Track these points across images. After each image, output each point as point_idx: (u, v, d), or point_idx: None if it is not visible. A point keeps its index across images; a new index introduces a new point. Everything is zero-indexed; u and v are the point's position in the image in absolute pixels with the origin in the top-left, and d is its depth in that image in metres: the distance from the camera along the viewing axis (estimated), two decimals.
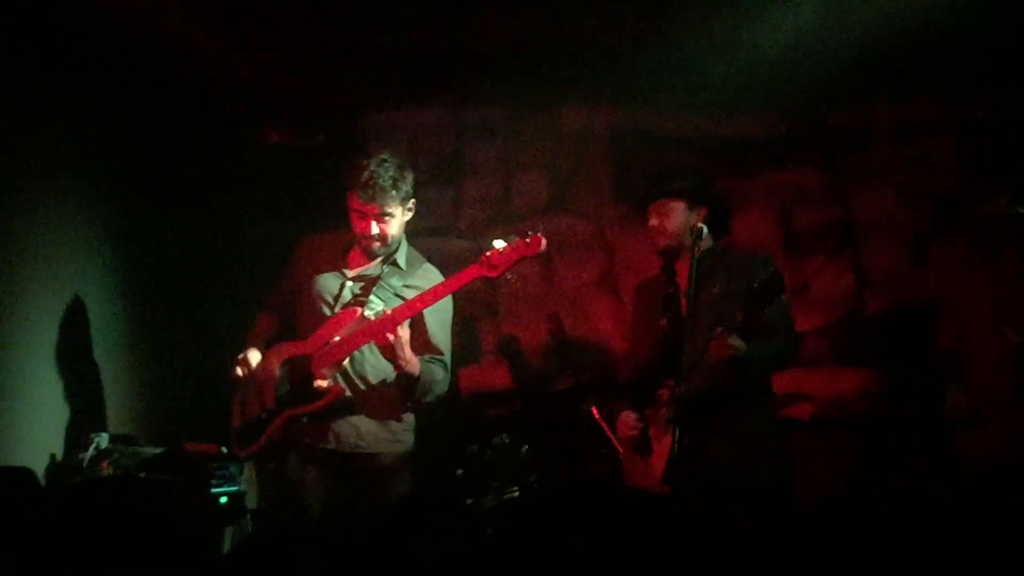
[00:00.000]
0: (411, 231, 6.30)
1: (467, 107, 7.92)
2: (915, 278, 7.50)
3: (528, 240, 5.76)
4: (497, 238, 5.89)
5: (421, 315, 5.93)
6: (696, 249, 5.60)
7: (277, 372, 5.98)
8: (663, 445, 5.60)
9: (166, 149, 7.43)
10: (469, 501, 6.33)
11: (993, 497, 5.92)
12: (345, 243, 6.07)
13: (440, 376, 5.99)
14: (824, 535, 3.28)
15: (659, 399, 5.75)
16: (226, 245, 6.89)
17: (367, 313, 5.89)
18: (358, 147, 7.47)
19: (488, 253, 5.78)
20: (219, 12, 6.84)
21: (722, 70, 7.34)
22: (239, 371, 6.07)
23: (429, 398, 5.97)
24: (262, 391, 5.98)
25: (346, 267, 6.08)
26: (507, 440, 6.60)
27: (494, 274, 5.81)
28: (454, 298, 6.10)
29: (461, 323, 7.03)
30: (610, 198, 7.80)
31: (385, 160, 5.94)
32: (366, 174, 5.87)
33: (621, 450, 6.14)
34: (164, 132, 7.40)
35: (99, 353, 6.92)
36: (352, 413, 5.95)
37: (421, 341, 5.95)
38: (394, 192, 5.90)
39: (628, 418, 5.82)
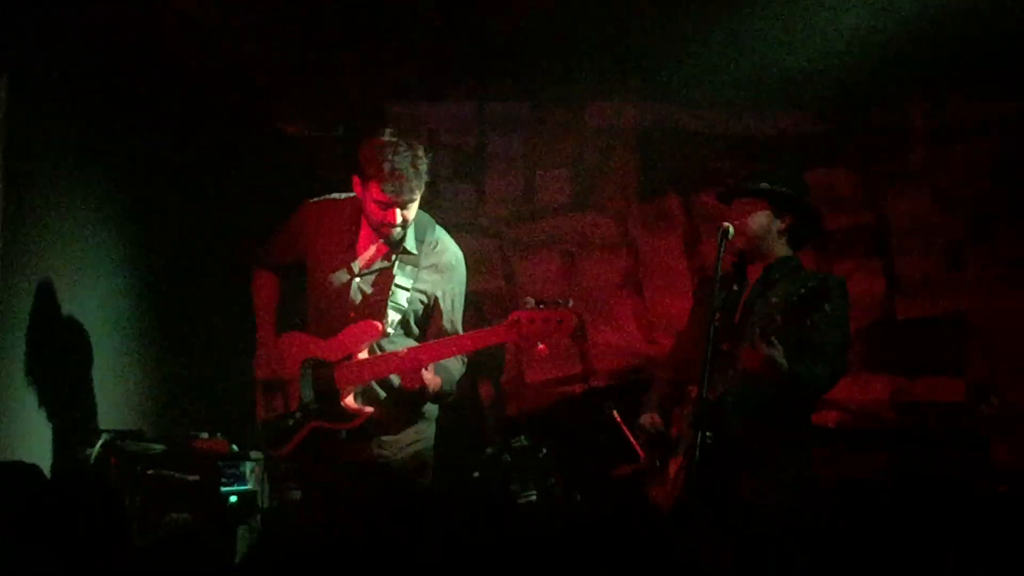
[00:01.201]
0: None
1: (490, 101, 7.89)
2: (950, 285, 7.47)
3: (560, 320, 5.53)
4: (523, 301, 5.63)
5: (437, 301, 5.87)
6: (721, 251, 5.46)
7: (299, 372, 5.86)
8: (684, 448, 5.43)
9: (182, 145, 7.33)
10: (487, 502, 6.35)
11: None
12: (351, 215, 5.89)
13: (458, 370, 5.87)
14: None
15: (688, 397, 5.54)
16: (236, 242, 6.62)
17: (389, 330, 5.76)
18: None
19: (517, 317, 5.53)
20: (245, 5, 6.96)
21: (755, 66, 7.32)
22: (262, 369, 5.96)
23: (451, 396, 5.91)
24: (287, 392, 5.87)
25: (354, 257, 5.88)
26: (526, 442, 6.59)
27: (524, 345, 5.70)
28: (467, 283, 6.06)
29: None
30: (636, 196, 7.76)
31: (404, 149, 5.69)
32: (388, 166, 5.64)
33: (642, 454, 5.87)
34: (181, 127, 7.31)
35: (106, 348, 6.80)
36: (379, 429, 5.82)
37: (436, 327, 5.86)
38: (418, 181, 5.70)
39: (646, 419, 5.65)
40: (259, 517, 6.30)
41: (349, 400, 5.68)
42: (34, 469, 3.93)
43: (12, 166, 6.07)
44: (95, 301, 6.79)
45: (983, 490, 6.59)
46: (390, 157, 5.65)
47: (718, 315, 5.36)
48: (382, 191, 5.63)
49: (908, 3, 6.81)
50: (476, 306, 7.32)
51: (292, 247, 5.99)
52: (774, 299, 5.40)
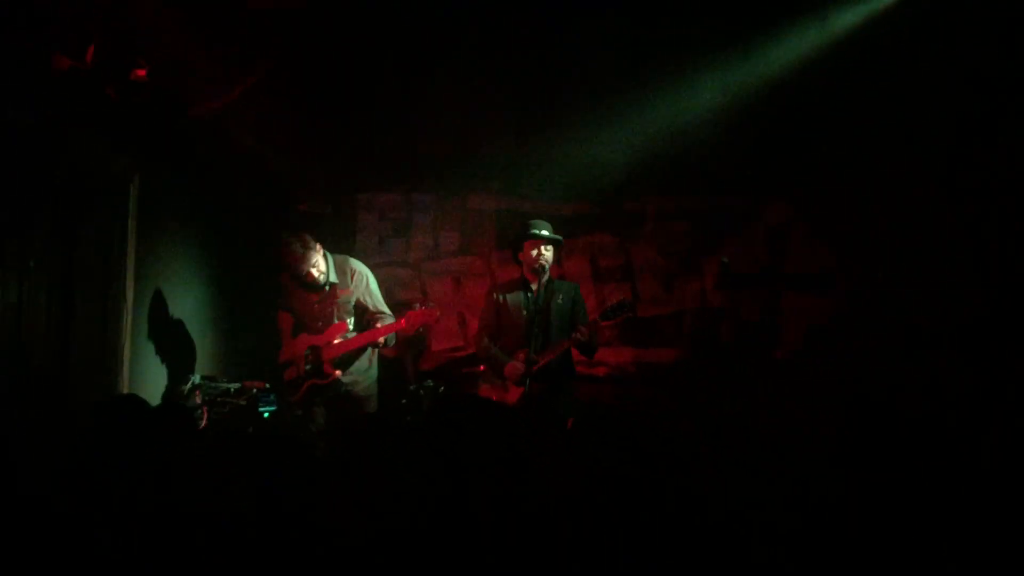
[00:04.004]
0: (378, 264, 6.60)
1: (415, 193, 7.80)
2: (667, 299, 7.56)
3: (431, 315, 5.95)
4: (414, 304, 6.05)
5: (359, 301, 6.07)
6: (547, 274, 5.78)
7: (304, 352, 6.10)
8: (517, 386, 5.72)
9: (241, 216, 7.42)
10: (408, 418, 6.42)
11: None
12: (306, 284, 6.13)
13: (391, 336, 6.13)
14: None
15: (515, 356, 5.80)
16: (271, 268, 6.48)
17: (350, 328, 6.07)
18: (352, 214, 7.71)
19: (408, 315, 5.93)
20: (274, 135, 6.96)
21: (561, 176, 7.49)
22: (283, 355, 6.20)
23: (392, 343, 6.19)
24: (298, 364, 6.12)
25: (312, 298, 6.12)
26: (431, 383, 6.73)
27: (409, 331, 6.04)
28: (376, 277, 6.26)
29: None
30: (495, 247, 7.73)
31: (299, 248, 5.94)
32: (304, 276, 5.97)
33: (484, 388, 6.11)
34: (240, 205, 7.42)
35: (195, 327, 6.97)
36: (345, 365, 6.03)
37: (372, 309, 6.11)
38: (309, 261, 5.96)
39: (515, 366, 5.74)
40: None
41: (327, 366, 6.01)
42: (137, 398, 3.68)
43: (142, 228, 6.28)
44: (190, 300, 7.00)
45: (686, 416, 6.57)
46: (308, 271, 5.94)
47: (526, 312, 5.74)
48: (293, 279, 6.03)
49: (639, 143, 7.00)
50: (406, 308, 7.33)
51: (287, 298, 6.24)
52: (560, 300, 5.77)
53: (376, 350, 6.20)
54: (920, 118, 6.47)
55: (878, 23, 6.26)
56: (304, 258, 5.95)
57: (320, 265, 6.01)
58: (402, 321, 5.96)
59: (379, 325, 6.08)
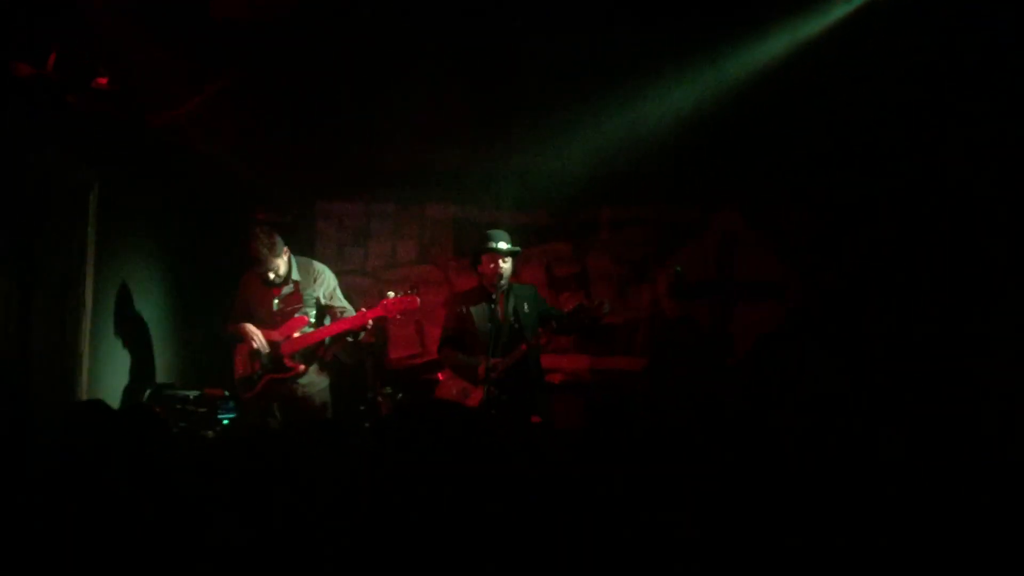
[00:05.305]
0: (337, 271, 6.38)
1: (373, 202, 7.88)
2: (621, 306, 7.58)
3: (411, 300, 5.88)
4: (391, 291, 5.95)
5: (318, 300, 6.08)
6: (506, 281, 5.83)
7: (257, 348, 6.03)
8: (479, 390, 5.74)
9: (201, 221, 7.42)
10: (367, 424, 6.42)
11: None
12: (259, 276, 6.13)
13: (363, 329, 6.14)
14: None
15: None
16: (229, 277, 6.45)
17: (312, 320, 6.03)
18: (311, 223, 7.77)
19: (385, 301, 5.89)
20: (235, 144, 6.98)
21: (517, 187, 7.61)
22: (237, 350, 6.14)
23: (360, 334, 6.13)
24: (253, 360, 6.04)
25: (271, 294, 6.12)
26: (390, 390, 6.76)
27: (390, 316, 5.94)
28: (336, 276, 6.27)
29: (377, 331, 7.03)
30: (452, 255, 7.81)
31: (265, 240, 5.96)
32: (259, 261, 5.98)
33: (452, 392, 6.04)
34: (201, 211, 7.42)
35: (155, 334, 6.95)
36: (302, 377, 6.05)
37: (338, 307, 6.10)
38: (274, 255, 5.98)
39: (484, 365, 5.74)
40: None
41: (289, 360, 5.98)
42: (102, 404, 3.42)
43: (101, 236, 6.28)
44: (150, 308, 6.95)
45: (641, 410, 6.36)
46: (265, 270, 5.98)
47: (491, 323, 5.71)
48: (260, 274, 6.01)
49: (593, 154, 7.05)
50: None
51: (243, 304, 6.20)
52: (526, 308, 5.80)
53: (328, 359, 6.20)
54: (868, 128, 6.58)
55: (831, 35, 6.29)
56: (264, 259, 5.95)
57: (280, 269, 6.01)
58: (379, 308, 5.90)
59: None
